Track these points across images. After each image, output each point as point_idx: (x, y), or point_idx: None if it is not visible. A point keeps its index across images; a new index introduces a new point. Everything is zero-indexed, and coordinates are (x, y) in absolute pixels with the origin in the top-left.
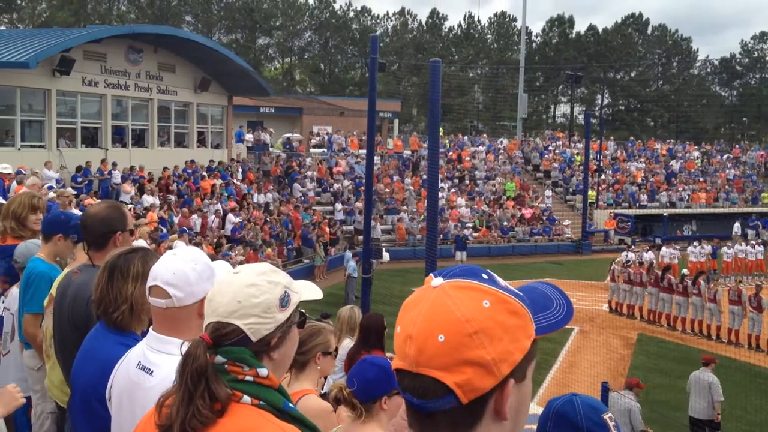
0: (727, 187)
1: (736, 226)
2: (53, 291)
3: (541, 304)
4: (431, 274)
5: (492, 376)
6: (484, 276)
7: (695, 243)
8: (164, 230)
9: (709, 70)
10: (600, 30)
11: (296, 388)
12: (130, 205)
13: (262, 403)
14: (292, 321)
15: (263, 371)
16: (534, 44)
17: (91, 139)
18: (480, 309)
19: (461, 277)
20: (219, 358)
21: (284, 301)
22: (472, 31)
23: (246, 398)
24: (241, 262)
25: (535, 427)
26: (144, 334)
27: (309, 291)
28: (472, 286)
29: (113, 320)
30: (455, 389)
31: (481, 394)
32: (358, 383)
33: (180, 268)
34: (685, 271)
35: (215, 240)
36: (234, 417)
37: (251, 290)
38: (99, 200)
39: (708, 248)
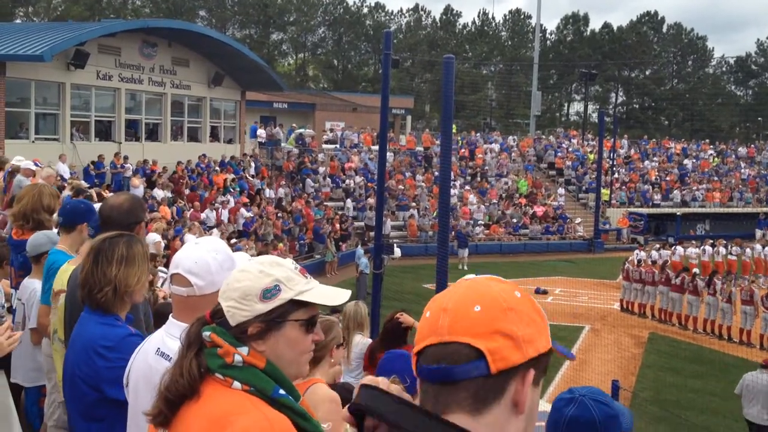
0: (741, 186)
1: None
2: (61, 285)
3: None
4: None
5: (520, 351)
6: None
7: (718, 242)
8: (179, 225)
9: (724, 69)
10: (615, 28)
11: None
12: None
13: (252, 389)
14: (285, 318)
15: (243, 349)
16: (548, 42)
17: (104, 132)
18: (514, 296)
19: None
20: (204, 333)
21: (268, 293)
22: (486, 28)
23: (236, 384)
24: (252, 256)
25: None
26: (128, 319)
27: (323, 296)
28: (501, 280)
29: (96, 301)
30: (487, 354)
31: (508, 367)
32: (411, 379)
33: (202, 257)
34: (696, 270)
35: (227, 235)
36: (221, 400)
37: (238, 275)
38: (111, 193)
39: (722, 249)
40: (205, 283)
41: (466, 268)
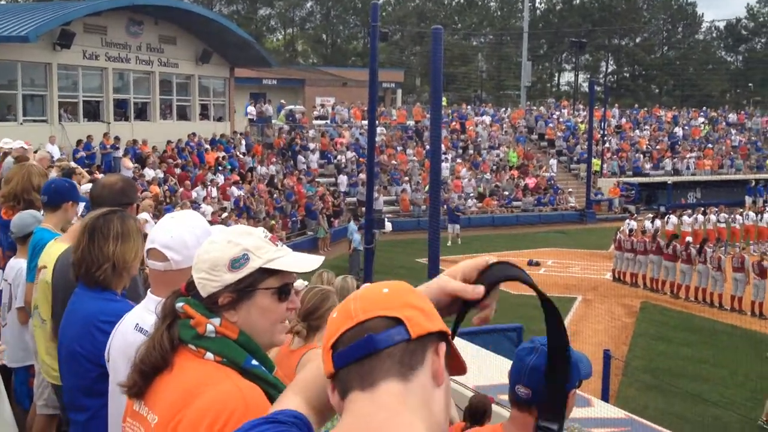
0: (732, 153)
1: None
2: (45, 262)
3: None
4: None
5: (430, 321)
6: None
7: (709, 210)
8: (168, 204)
9: (714, 35)
10: None
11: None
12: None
13: (224, 360)
14: (255, 287)
15: (215, 320)
16: (538, 11)
17: (93, 112)
18: (411, 288)
19: None
20: (177, 305)
21: (237, 263)
22: None
23: (209, 355)
24: None
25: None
26: (124, 295)
27: (293, 263)
28: None
29: (95, 279)
30: (404, 320)
31: (424, 332)
32: None
33: (178, 232)
34: (689, 238)
35: (218, 211)
36: (194, 371)
37: (207, 246)
38: (102, 174)
39: (713, 217)
40: (181, 258)
41: (459, 242)
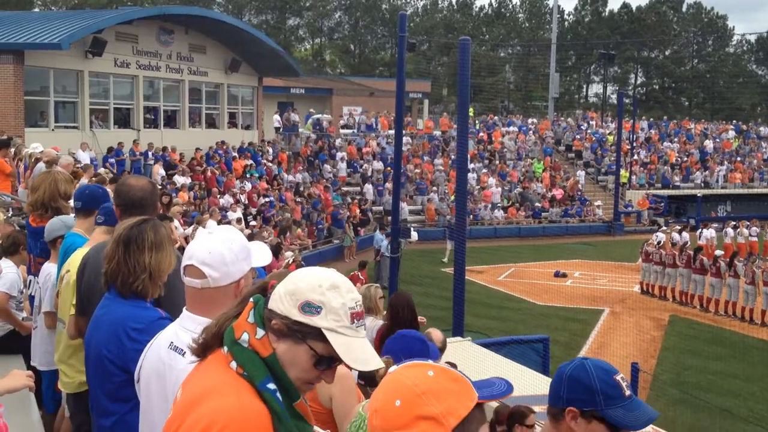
0: (763, 167)
1: None
2: (70, 267)
3: (484, 383)
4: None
5: (442, 427)
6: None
7: (740, 224)
8: (195, 210)
9: (745, 48)
10: (634, 8)
11: None
12: (159, 186)
13: (244, 373)
14: (304, 339)
15: (260, 332)
16: (566, 23)
17: (123, 120)
18: (425, 376)
19: (409, 359)
20: (251, 298)
21: (307, 307)
22: (503, 10)
23: (233, 364)
24: (272, 242)
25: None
26: (154, 303)
27: (349, 348)
28: (417, 364)
29: (133, 289)
30: None
31: None
32: (406, 359)
33: (216, 248)
34: (719, 252)
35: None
36: (214, 375)
37: (305, 274)
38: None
39: (745, 231)
40: (219, 275)
41: (445, 260)
